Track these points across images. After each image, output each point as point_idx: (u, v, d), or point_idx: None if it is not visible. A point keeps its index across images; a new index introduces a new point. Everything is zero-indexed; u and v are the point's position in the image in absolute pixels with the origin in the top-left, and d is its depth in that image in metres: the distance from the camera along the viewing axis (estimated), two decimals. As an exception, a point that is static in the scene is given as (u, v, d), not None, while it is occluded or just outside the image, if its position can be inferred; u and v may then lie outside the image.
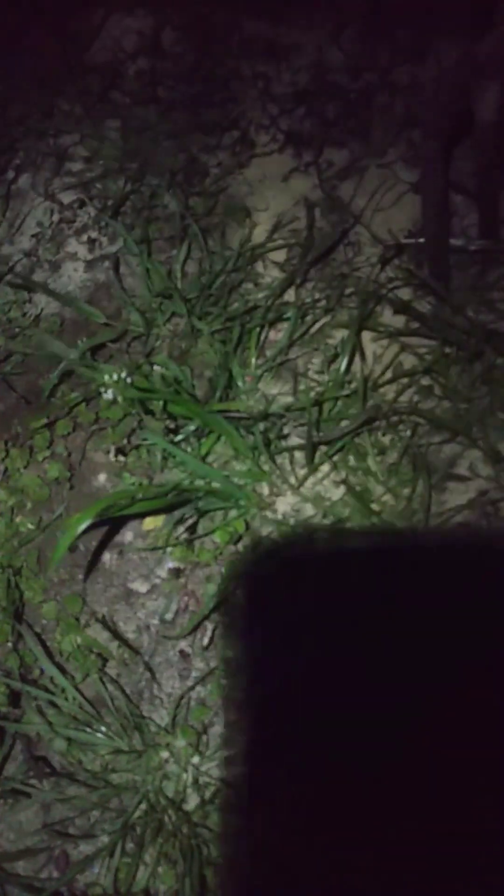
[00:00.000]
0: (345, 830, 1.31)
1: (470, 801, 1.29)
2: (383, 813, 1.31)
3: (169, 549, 1.58)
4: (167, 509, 1.57)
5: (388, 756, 1.33)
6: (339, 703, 1.38)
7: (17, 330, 1.92)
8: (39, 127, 2.25)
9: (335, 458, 1.59)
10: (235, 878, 1.34)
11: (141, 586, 1.60)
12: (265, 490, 1.60)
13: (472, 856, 1.26)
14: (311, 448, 1.54)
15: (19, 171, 2.22)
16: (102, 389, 1.55)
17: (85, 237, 2.09)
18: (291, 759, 1.37)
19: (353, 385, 1.64)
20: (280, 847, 1.32)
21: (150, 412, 1.58)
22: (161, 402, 1.55)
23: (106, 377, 1.52)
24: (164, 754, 1.43)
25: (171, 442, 1.61)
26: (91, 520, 1.36)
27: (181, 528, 1.58)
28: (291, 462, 1.62)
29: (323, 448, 1.59)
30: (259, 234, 1.96)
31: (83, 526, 1.35)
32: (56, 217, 2.13)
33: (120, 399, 1.53)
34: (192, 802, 1.40)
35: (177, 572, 1.59)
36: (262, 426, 1.55)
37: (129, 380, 1.51)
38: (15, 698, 1.51)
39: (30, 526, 1.67)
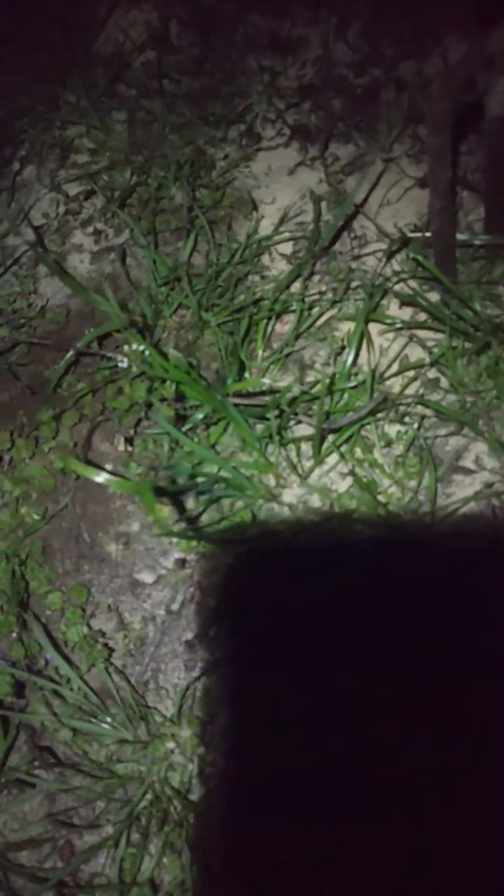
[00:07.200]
0: (342, 825, 1.31)
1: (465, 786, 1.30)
2: (384, 806, 1.31)
3: (175, 540, 1.58)
4: (175, 500, 1.57)
5: (392, 747, 1.33)
6: (343, 691, 1.38)
7: (22, 321, 1.92)
8: (45, 118, 2.24)
9: (342, 448, 1.59)
10: (238, 866, 1.33)
11: (147, 577, 1.60)
12: (272, 481, 1.60)
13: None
14: (319, 438, 1.54)
15: (25, 162, 2.22)
16: (120, 360, 1.54)
17: (91, 228, 2.08)
18: (294, 748, 1.37)
19: (360, 377, 1.64)
20: (280, 836, 1.32)
21: (160, 398, 1.57)
22: (173, 386, 1.54)
23: (126, 347, 1.52)
24: (170, 745, 1.43)
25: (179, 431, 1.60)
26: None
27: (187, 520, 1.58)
28: (298, 453, 1.62)
29: (330, 439, 1.59)
30: (265, 227, 1.97)
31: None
32: (62, 208, 2.12)
33: (135, 368, 1.53)
34: (197, 793, 1.39)
35: (183, 563, 1.59)
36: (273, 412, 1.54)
37: (146, 353, 1.51)
38: (20, 688, 1.51)
39: (35, 516, 1.67)
